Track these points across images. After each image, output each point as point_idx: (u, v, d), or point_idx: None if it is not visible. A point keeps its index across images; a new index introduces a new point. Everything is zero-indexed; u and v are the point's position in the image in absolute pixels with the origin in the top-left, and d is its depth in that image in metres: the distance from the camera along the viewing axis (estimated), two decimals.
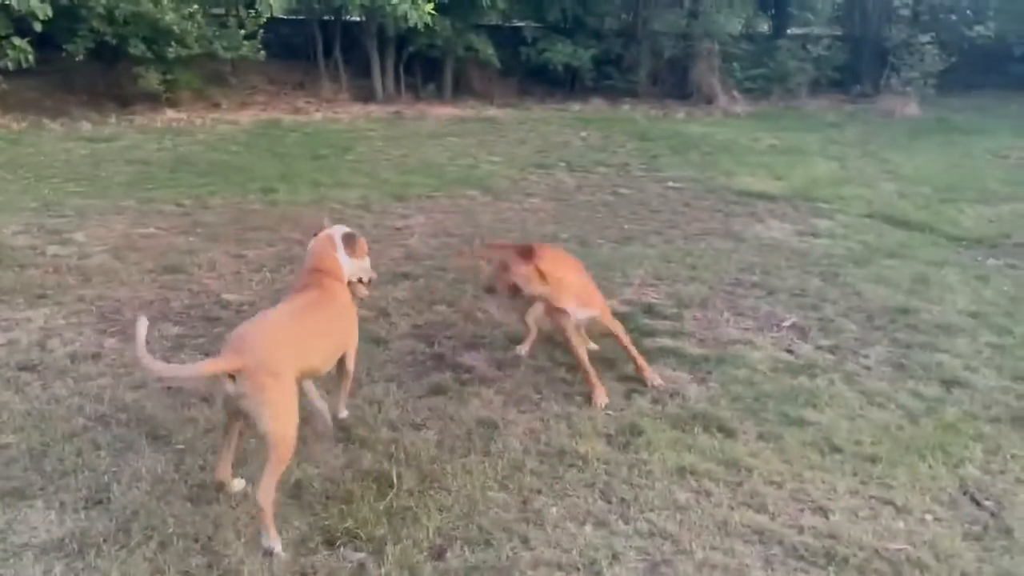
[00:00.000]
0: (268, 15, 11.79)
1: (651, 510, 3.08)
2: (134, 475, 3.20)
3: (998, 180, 9.06)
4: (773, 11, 16.20)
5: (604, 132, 11.94)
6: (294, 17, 15.19)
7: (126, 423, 3.59)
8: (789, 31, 16.43)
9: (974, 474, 3.39)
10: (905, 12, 14.93)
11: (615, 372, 4.25)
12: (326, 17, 14.22)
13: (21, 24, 10.20)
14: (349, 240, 3.51)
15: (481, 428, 3.63)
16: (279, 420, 2.84)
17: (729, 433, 3.65)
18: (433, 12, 12.05)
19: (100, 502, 3.03)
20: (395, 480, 3.17)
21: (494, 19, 15.14)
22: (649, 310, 5.15)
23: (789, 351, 4.58)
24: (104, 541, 2.80)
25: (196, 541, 2.83)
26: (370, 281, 3.73)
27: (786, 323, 4.98)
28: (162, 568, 2.69)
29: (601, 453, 3.45)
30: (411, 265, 5.84)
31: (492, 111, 13.69)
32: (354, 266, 3.54)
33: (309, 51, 14.38)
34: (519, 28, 15.12)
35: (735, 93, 14.81)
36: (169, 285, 5.30)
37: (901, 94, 14.30)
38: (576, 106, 14.47)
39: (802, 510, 3.12)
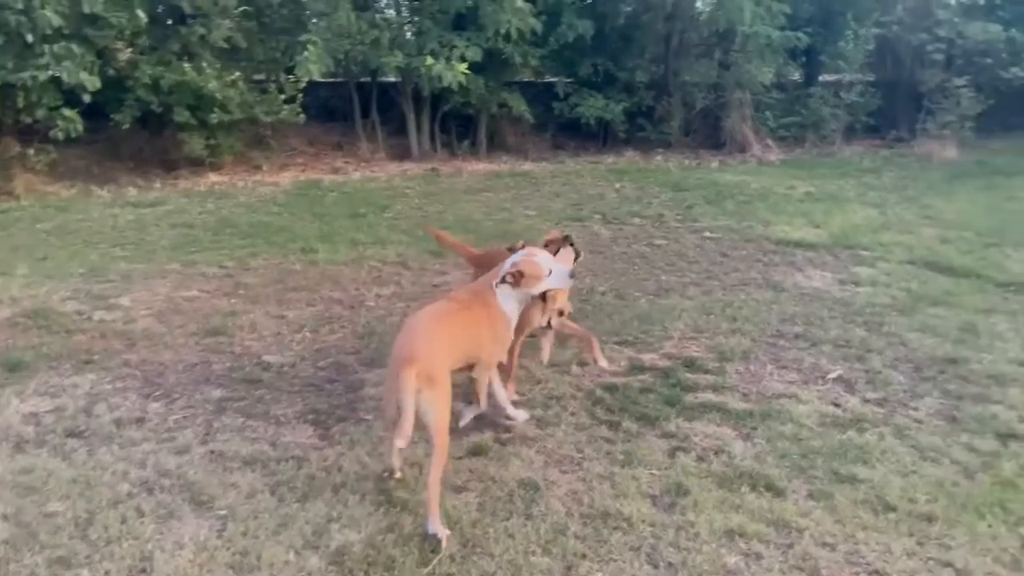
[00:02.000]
0: (308, 79, 12.13)
1: (700, 575, 2.99)
2: (177, 543, 3.20)
3: None
4: (804, 59, 16.23)
5: (638, 184, 11.98)
6: (332, 80, 15.62)
7: (169, 489, 3.61)
8: (821, 78, 16.43)
9: None
10: (938, 56, 14.85)
11: (658, 430, 4.19)
12: (363, 79, 14.59)
13: (70, 96, 10.62)
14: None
15: (522, 490, 3.59)
16: None
17: (778, 492, 3.56)
18: (467, 71, 12.30)
19: (143, 571, 3.04)
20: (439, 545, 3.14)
21: (527, 76, 15.39)
22: (690, 364, 5.08)
23: (836, 404, 4.48)
24: None
25: None
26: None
27: (831, 375, 4.88)
28: None
29: (646, 515, 3.38)
30: None
31: (527, 166, 13.83)
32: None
33: (347, 112, 14.74)
34: (552, 84, 15.33)
35: (769, 141, 14.79)
36: (211, 348, 5.37)
37: (938, 138, 14.15)
38: (609, 159, 14.56)
39: (857, 573, 3.01)
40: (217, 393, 4.65)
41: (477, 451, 3.93)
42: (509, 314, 3.94)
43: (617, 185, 11.89)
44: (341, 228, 8.89)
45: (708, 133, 15.45)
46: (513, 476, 3.70)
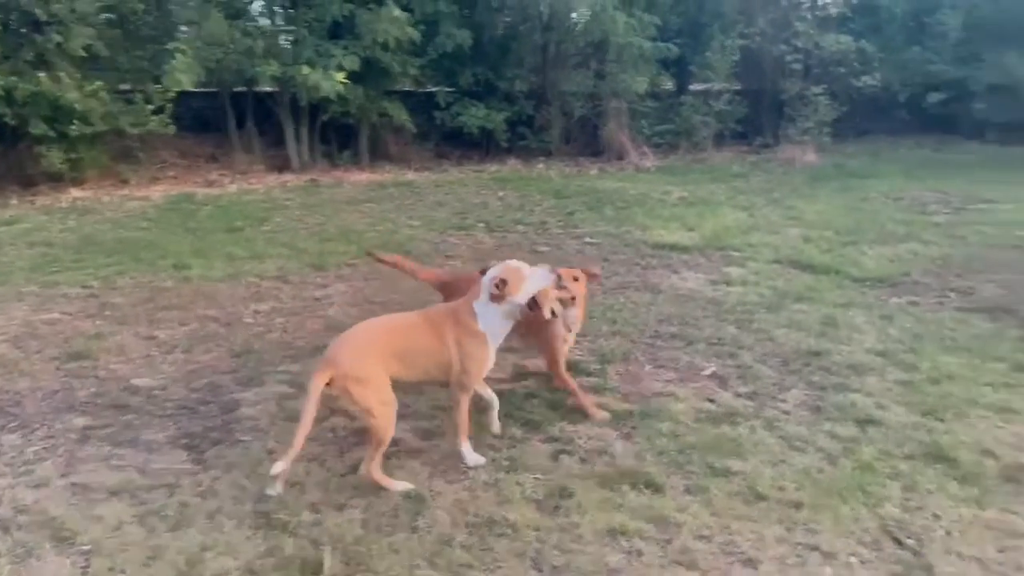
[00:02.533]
0: (178, 89, 11.63)
1: None
2: None
3: (894, 221, 9.54)
4: (675, 69, 16.88)
5: (521, 192, 12.12)
6: (205, 90, 15.05)
7: (27, 526, 3.37)
8: (692, 87, 17.12)
9: (894, 513, 3.48)
10: (797, 66, 15.76)
11: (542, 434, 4.23)
12: (238, 89, 14.14)
13: None
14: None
15: (407, 503, 3.55)
16: None
17: (657, 489, 3.66)
18: (345, 81, 12.13)
19: None
20: (322, 565, 3.06)
21: (407, 85, 15.32)
22: (573, 367, 5.15)
23: (710, 400, 4.66)
24: None
25: None
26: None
27: (706, 372, 5.07)
28: None
29: (531, 519, 3.41)
30: (331, 336, 5.68)
31: (409, 175, 13.76)
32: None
33: (221, 123, 14.24)
34: (433, 94, 15.34)
35: (645, 148, 15.28)
36: (74, 373, 5.06)
37: (799, 143, 15.02)
38: (492, 167, 14.67)
39: (732, 563, 3.13)
40: (80, 421, 4.38)
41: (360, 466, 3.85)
42: (489, 333, 3.86)
43: (500, 193, 11.99)
44: (216, 243, 8.57)
45: (587, 141, 15.83)
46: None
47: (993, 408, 4.44)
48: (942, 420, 4.32)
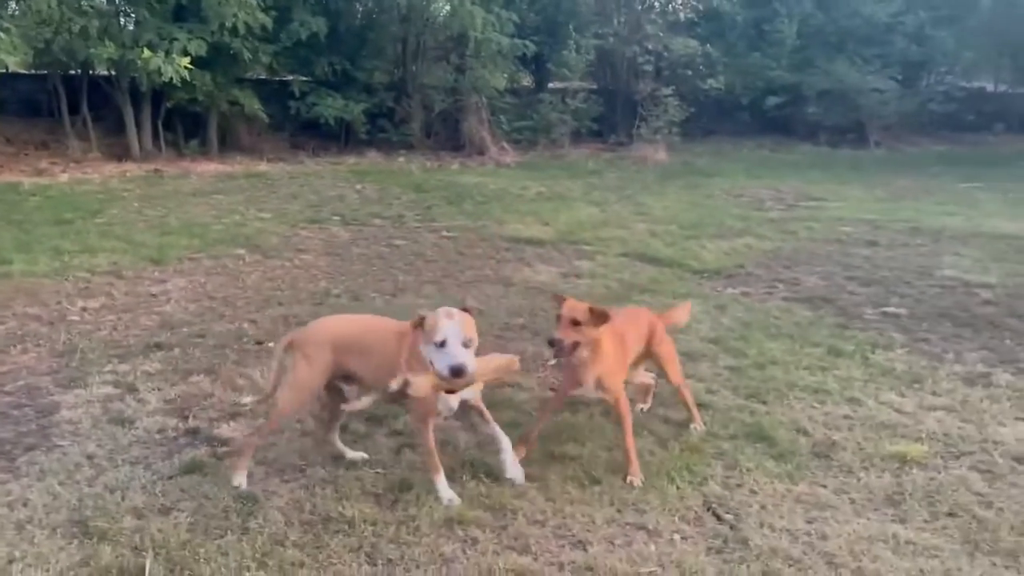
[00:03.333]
0: (1, 71, 10.71)
1: (417, 567, 3.03)
2: None
3: (733, 216, 10.11)
4: (534, 67, 17.18)
5: (380, 185, 11.98)
6: (35, 72, 13.95)
7: None
8: (550, 85, 17.48)
9: (716, 490, 3.67)
10: (648, 68, 16.40)
11: (386, 428, 4.20)
12: (72, 72, 13.19)
13: None
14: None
15: (239, 504, 3.41)
16: None
17: (496, 478, 3.70)
18: (190, 66, 11.55)
19: None
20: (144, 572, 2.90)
21: (259, 73, 14.80)
22: None
23: (553, 390, 4.76)
24: None
25: None
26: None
27: (550, 362, 5.18)
28: None
29: (368, 514, 3.36)
30: (166, 334, 5.45)
31: (262, 166, 13.30)
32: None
33: (54, 108, 13.24)
34: (287, 82, 14.89)
35: (504, 144, 15.48)
36: None
37: (651, 142, 15.66)
38: (351, 159, 14.42)
39: (563, 546, 3.21)
40: None
41: (190, 468, 3.68)
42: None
43: (358, 186, 11.80)
44: (43, 236, 7.96)
45: (448, 135, 15.85)
46: (230, 491, 3.51)
47: (809, 390, 4.79)
48: (764, 402, 4.61)
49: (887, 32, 18.01)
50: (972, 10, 19.30)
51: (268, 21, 12.49)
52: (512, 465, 3.63)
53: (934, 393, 4.77)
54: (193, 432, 4.03)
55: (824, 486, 3.75)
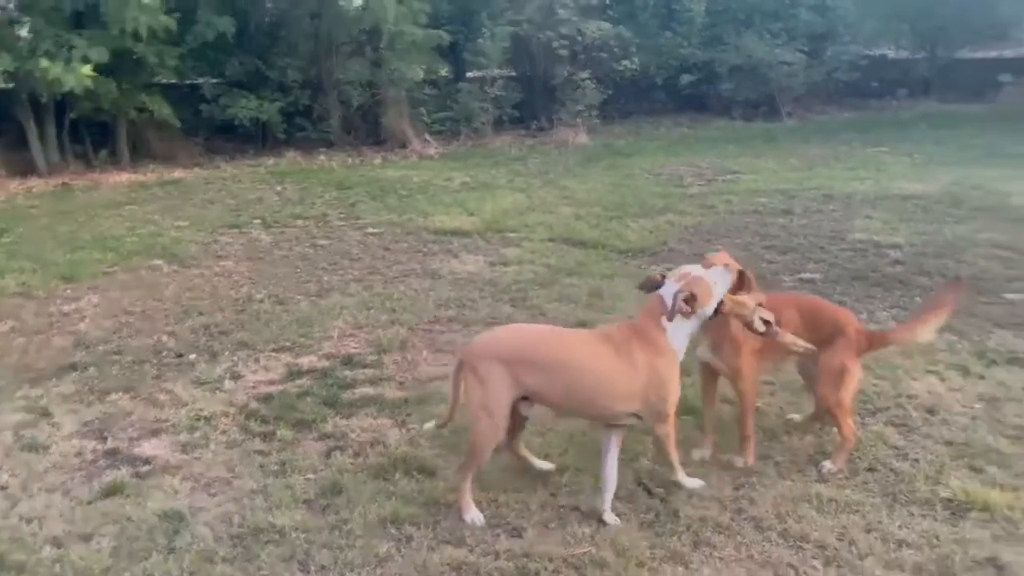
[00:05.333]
0: None
1: (352, 570, 3.02)
2: None
3: (654, 195, 10.25)
4: (451, 56, 17.06)
5: (301, 184, 11.75)
6: None
7: None
8: (469, 74, 17.39)
9: (647, 466, 3.75)
10: (564, 52, 16.46)
11: (315, 432, 4.15)
12: None
13: None
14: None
15: (165, 523, 3.33)
16: None
17: (429, 473, 3.70)
18: (92, 74, 11.10)
19: None
20: None
21: (167, 77, 14.33)
22: (348, 361, 5.10)
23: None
24: None
25: None
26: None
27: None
28: None
29: (300, 522, 3.32)
30: (81, 353, 5.25)
31: (177, 173, 12.89)
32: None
33: None
34: (198, 85, 14.45)
35: (426, 136, 15.34)
36: None
37: (571, 126, 15.73)
38: (270, 160, 14.10)
39: (498, 535, 3.23)
40: None
41: (111, 491, 3.57)
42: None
43: (278, 187, 11.56)
44: None
45: (369, 130, 15.63)
46: (154, 510, 3.42)
47: None
48: (687, 375, 4.69)
49: (792, 6, 18.44)
50: None
51: (172, 23, 12.05)
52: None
53: None
54: (112, 453, 3.90)
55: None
